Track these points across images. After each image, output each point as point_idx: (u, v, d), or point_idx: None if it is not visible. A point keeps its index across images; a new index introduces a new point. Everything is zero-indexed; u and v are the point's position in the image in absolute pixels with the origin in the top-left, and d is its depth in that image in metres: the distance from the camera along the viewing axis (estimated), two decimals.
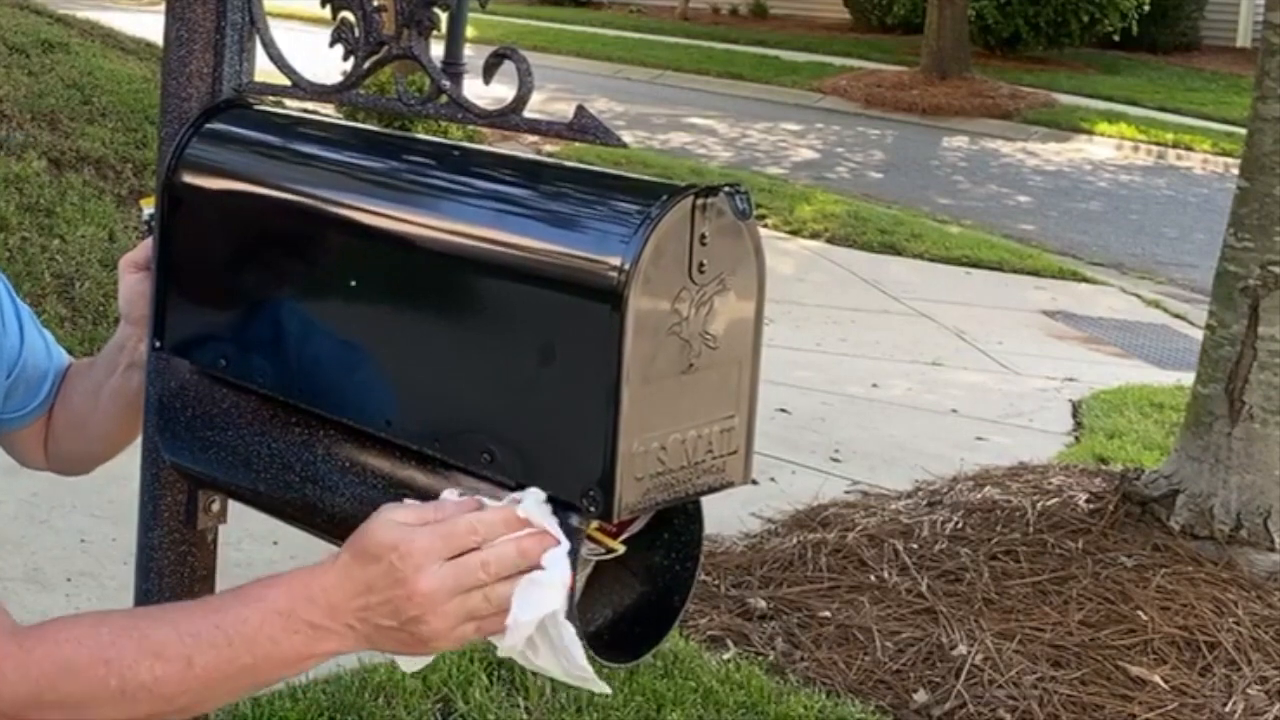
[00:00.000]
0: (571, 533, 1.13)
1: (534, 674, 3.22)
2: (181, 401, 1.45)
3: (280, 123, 1.48)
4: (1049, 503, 4.22)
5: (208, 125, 1.42)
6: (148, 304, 1.47)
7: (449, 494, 1.18)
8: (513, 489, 1.18)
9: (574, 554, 1.15)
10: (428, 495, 1.24)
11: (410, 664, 1.22)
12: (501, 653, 1.16)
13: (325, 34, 1.38)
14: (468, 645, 3.29)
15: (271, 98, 1.44)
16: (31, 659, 1.18)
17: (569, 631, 1.12)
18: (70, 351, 1.73)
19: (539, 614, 1.11)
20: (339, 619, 1.15)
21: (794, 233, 9.01)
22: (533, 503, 1.14)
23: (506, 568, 1.13)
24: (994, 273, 8.47)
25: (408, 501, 1.19)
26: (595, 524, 1.17)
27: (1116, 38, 17.97)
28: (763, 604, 3.79)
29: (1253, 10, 18.54)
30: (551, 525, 1.13)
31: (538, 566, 1.13)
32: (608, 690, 1.19)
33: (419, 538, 1.12)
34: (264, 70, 1.47)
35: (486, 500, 1.15)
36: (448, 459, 1.23)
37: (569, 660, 1.13)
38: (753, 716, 3.26)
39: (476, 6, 1.29)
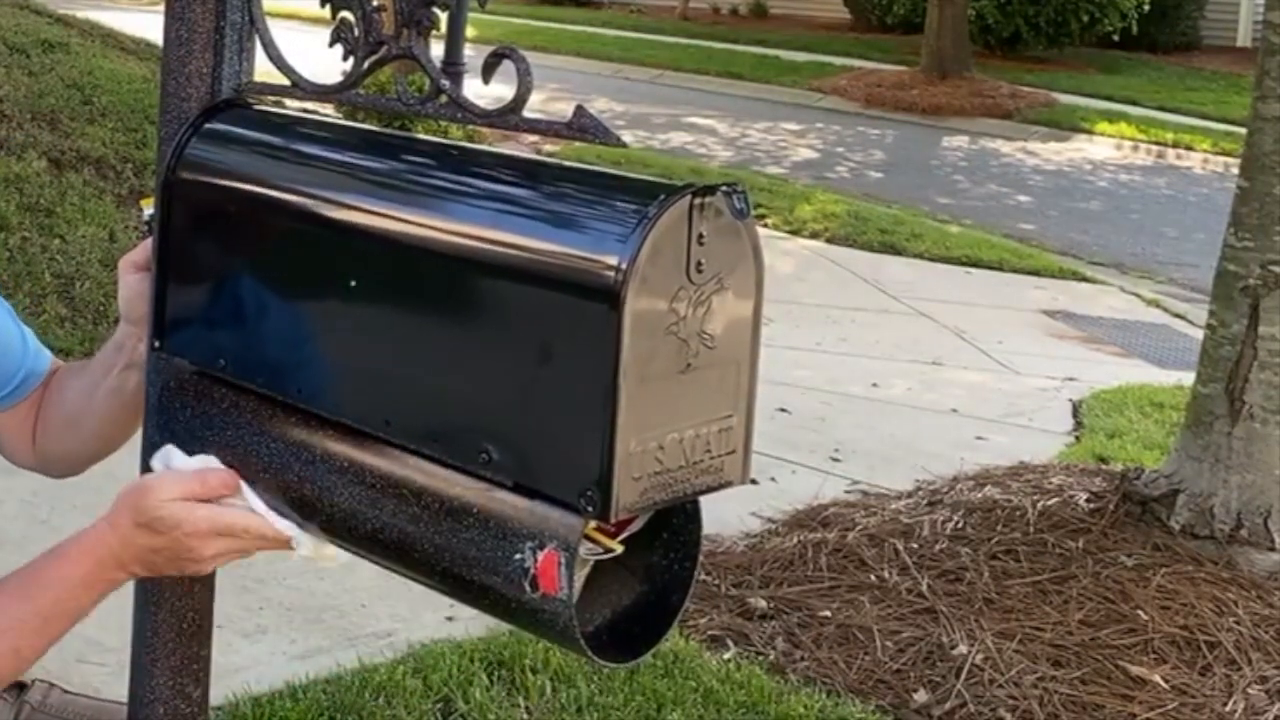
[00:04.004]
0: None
1: (534, 674, 3.22)
2: (181, 401, 1.45)
3: (280, 123, 1.48)
4: (1049, 502, 4.21)
5: (207, 125, 1.43)
6: (147, 304, 1.47)
7: (185, 461, 1.40)
8: (510, 489, 1.19)
9: (571, 554, 1.15)
10: (426, 495, 1.24)
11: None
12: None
13: (325, 34, 1.38)
14: (467, 645, 3.27)
15: (271, 98, 1.45)
16: None
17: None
18: (70, 352, 1.74)
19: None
20: (127, 568, 1.41)
21: (794, 232, 9.00)
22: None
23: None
24: (994, 272, 8.45)
25: (164, 467, 1.41)
26: (593, 524, 1.17)
27: (1116, 37, 17.97)
28: (763, 604, 3.79)
29: (1253, 10, 18.54)
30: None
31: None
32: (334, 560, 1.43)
33: (199, 522, 1.36)
34: (264, 70, 1.47)
35: (246, 490, 1.38)
36: (446, 459, 1.23)
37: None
38: (753, 716, 3.26)
39: (476, 6, 1.29)
